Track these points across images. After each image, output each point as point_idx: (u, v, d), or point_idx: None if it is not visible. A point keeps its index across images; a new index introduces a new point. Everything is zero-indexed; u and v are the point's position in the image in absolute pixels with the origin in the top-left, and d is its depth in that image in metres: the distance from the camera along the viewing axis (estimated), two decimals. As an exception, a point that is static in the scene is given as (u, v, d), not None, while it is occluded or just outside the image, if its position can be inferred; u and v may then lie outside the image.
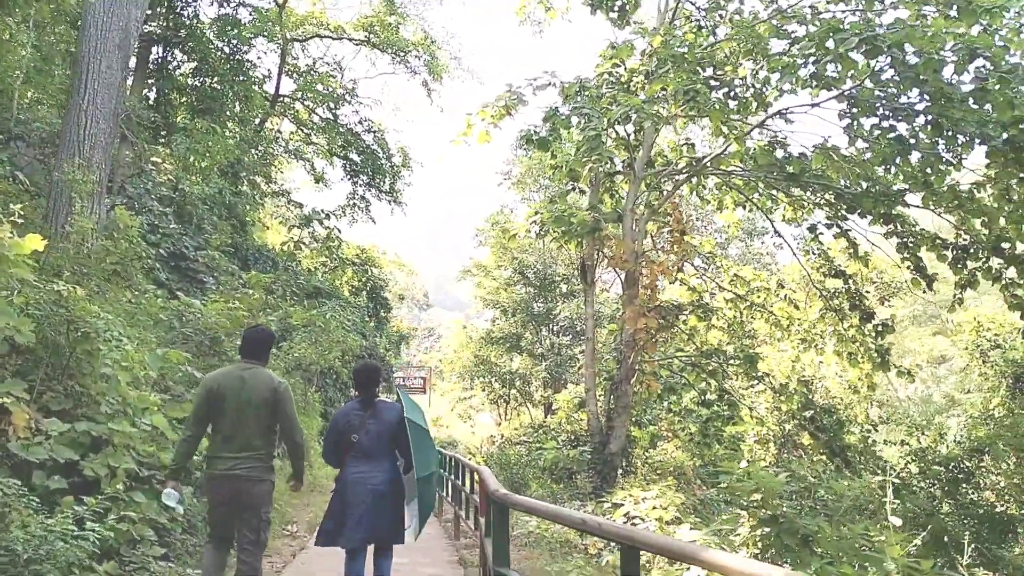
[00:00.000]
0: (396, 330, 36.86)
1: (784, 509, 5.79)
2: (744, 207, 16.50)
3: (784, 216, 15.33)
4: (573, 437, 15.91)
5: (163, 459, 6.86)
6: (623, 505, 9.39)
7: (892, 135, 10.58)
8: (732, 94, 12.52)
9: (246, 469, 4.68)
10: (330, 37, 29.16)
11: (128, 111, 17.51)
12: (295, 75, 29.27)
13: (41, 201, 10.94)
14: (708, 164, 13.08)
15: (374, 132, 28.88)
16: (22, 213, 7.20)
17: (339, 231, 23.01)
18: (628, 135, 14.23)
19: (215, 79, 20.82)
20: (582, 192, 14.49)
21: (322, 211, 23.85)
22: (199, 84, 20.92)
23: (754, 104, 13.33)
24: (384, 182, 29.71)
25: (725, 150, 12.81)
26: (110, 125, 11.79)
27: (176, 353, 7.73)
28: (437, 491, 9.21)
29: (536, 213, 13.84)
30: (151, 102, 19.95)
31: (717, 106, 10.05)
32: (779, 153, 12.73)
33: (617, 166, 14.49)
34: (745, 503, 5.94)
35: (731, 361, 13.89)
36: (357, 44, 29.31)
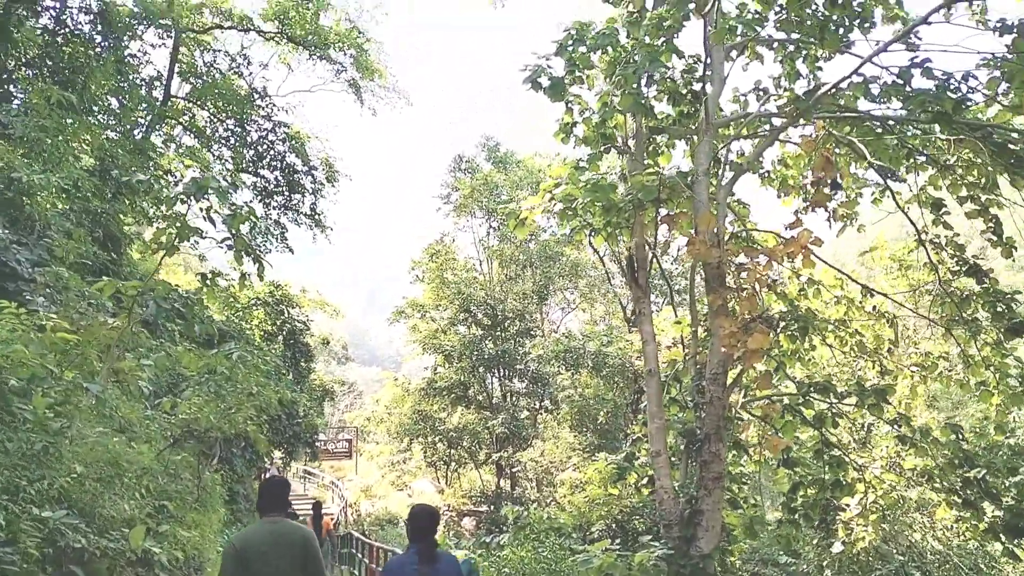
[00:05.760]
0: (319, 384, 31.01)
1: None
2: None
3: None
4: (614, 526, 10.80)
5: None
6: None
7: None
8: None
9: None
10: (234, 28, 23.94)
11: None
12: (191, 76, 23.90)
13: None
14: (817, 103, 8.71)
15: (291, 141, 23.65)
16: None
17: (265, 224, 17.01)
18: (680, 78, 9.84)
19: (77, 46, 15.35)
20: (622, 153, 9.83)
21: (228, 175, 18.00)
22: (53, 52, 15.37)
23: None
24: (303, 202, 24.46)
25: (850, 77, 8.47)
26: None
27: None
28: None
29: (556, 186, 9.12)
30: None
31: None
32: (919, 82, 8.48)
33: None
34: None
35: (845, 398, 9.41)
36: (269, 37, 24.21)
